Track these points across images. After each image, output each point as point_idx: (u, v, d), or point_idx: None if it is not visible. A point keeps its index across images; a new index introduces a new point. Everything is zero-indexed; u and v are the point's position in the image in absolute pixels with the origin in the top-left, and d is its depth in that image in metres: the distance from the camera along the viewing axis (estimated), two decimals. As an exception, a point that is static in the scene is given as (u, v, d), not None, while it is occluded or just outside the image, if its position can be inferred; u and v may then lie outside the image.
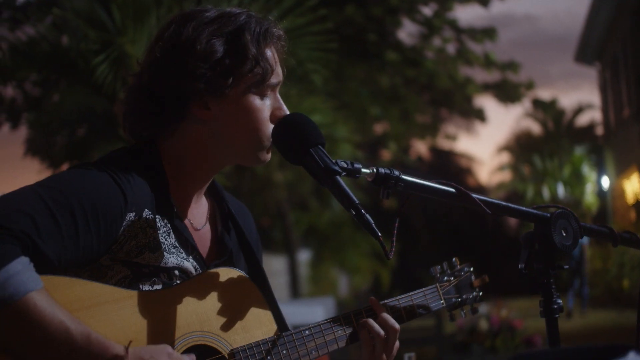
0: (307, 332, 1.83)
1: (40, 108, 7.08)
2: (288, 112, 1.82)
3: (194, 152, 1.80)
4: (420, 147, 31.85)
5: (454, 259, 2.19)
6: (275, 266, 18.84)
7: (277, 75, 1.82)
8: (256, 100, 1.78)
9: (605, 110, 22.59)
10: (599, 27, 19.50)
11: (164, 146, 1.81)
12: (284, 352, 1.78)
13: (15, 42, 5.89)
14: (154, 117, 1.79)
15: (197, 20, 1.79)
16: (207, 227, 1.90)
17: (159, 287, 1.71)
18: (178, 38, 1.76)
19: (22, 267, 1.46)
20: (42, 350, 1.49)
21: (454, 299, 2.13)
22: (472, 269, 2.19)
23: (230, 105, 1.77)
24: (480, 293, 2.18)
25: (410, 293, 2.06)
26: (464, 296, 2.14)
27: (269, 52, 1.81)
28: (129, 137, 1.85)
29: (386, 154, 23.48)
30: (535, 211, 1.86)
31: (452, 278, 2.15)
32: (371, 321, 1.89)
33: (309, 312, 11.94)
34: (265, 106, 1.79)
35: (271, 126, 1.80)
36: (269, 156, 1.85)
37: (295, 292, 19.54)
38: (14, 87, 7.13)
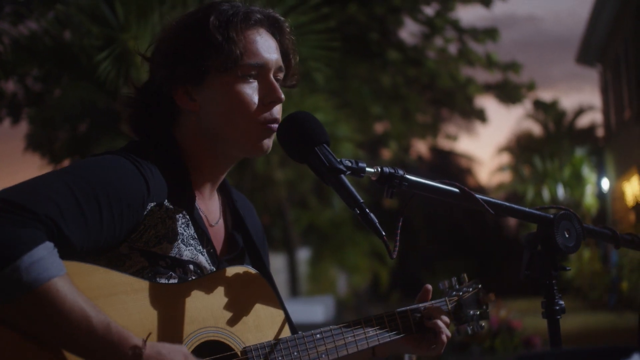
0: (318, 335, 1.85)
1: (41, 103, 7.09)
2: (281, 95, 1.82)
3: (196, 144, 1.83)
4: (421, 147, 31.85)
5: (463, 274, 2.22)
6: (274, 264, 18.83)
7: (256, 57, 1.79)
8: (236, 84, 1.77)
9: (606, 111, 22.59)
10: (601, 29, 19.49)
11: (177, 139, 1.84)
12: (295, 353, 1.80)
13: (18, 37, 5.89)
14: (150, 113, 1.84)
15: (183, 15, 1.84)
16: (221, 222, 1.92)
17: (174, 281, 1.72)
18: (161, 35, 1.84)
19: (46, 253, 1.47)
20: (62, 336, 1.51)
21: (460, 314, 2.15)
22: (480, 285, 2.22)
23: (210, 93, 1.78)
24: (488, 310, 2.20)
25: (419, 304, 2.08)
26: (471, 312, 2.16)
27: (251, 35, 1.79)
28: (136, 137, 1.88)
29: (387, 153, 23.46)
30: (538, 212, 1.86)
31: (460, 293, 2.17)
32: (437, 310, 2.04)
33: (308, 311, 11.95)
34: (247, 89, 1.78)
35: (260, 109, 1.79)
36: (268, 143, 1.83)
37: (294, 290, 19.54)
38: (15, 82, 7.14)
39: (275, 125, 1.81)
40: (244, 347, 1.75)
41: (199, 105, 1.80)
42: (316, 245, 22.44)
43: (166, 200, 1.73)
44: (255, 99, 1.79)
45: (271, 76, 1.82)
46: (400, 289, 23.30)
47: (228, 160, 1.88)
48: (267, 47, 1.82)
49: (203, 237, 1.80)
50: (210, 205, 1.89)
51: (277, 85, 1.82)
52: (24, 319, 1.48)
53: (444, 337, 2.02)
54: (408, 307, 2.05)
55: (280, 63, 1.85)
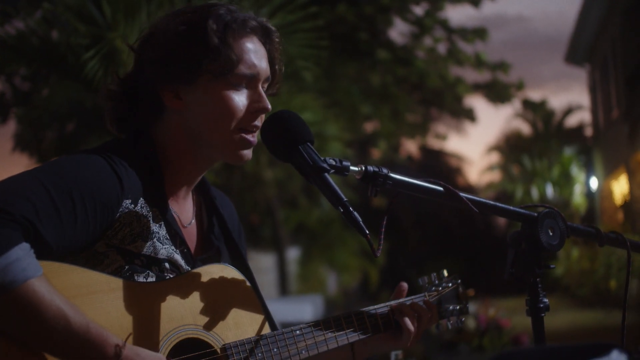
0: (297, 331, 1.86)
1: (29, 103, 7.05)
2: (268, 105, 1.83)
3: (176, 143, 1.83)
4: (410, 146, 31.90)
5: (443, 270, 2.22)
6: (264, 263, 18.81)
7: (249, 66, 1.80)
8: (226, 90, 1.78)
9: (594, 111, 22.70)
10: (589, 29, 19.59)
11: (154, 138, 1.84)
12: (275, 350, 1.81)
13: (5, 36, 5.85)
14: (132, 107, 1.84)
15: (175, 13, 1.84)
16: (194, 223, 1.92)
17: (152, 279, 1.73)
18: (152, 30, 1.83)
19: (23, 254, 1.47)
20: (41, 337, 1.51)
21: (440, 309, 2.16)
22: (459, 281, 2.23)
23: (199, 94, 1.79)
24: (468, 305, 2.21)
25: (399, 300, 2.09)
26: (450, 307, 2.17)
27: (246, 44, 1.81)
28: (115, 131, 1.88)
29: (376, 153, 23.49)
30: (522, 210, 1.87)
31: (439, 288, 2.18)
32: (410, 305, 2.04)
33: (297, 310, 11.95)
34: (237, 96, 1.79)
35: (245, 116, 1.80)
36: (247, 153, 1.84)
37: (283, 289, 19.52)
38: (2, 82, 7.10)
39: (254, 138, 1.83)
40: (224, 344, 1.76)
41: (185, 104, 1.80)
42: (306, 244, 22.43)
43: (141, 199, 1.74)
44: (243, 106, 1.80)
45: (260, 86, 1.84)
46: (390, 288, 23.25)
47: (207, 162, 1.88)
48: (259, 56, 1.83)
49: (176, 237, 1.81)
50: (183, 206, 1.89)
51: (265, 96, 1.84)
52: (1, 321, 1.48)
53: (408, 326, 2.03)
54: (387, 303, 2.06)
55: (269, 73, 1.87)
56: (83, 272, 1.60)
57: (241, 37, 1.80)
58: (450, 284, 2.20)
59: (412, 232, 30.01)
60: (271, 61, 1.89)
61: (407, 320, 2.03)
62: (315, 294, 18.64)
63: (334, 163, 1.68)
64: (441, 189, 1.81)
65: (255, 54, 1.82)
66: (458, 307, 2.18)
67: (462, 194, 1.80)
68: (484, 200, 1.86)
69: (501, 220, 28.28)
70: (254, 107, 1.81)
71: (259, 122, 1.83)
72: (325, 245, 21.46)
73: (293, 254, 21.78)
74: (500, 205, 1.88)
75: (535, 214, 1.85)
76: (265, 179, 14.21)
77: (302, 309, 12.54)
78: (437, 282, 2.19)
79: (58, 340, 1.51)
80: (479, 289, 2.27)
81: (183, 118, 1.81)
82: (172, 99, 1.80)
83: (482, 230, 30.59)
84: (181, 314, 1.72)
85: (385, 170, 1.72)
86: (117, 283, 1.64)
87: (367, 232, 1.61)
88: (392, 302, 2.08)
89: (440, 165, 32.85)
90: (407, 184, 1.77)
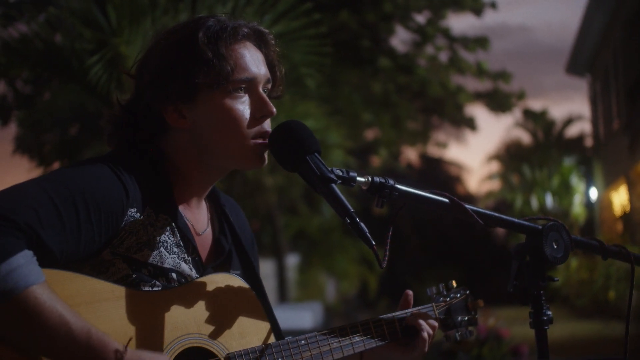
0: (302, 341, 1.85)
1: (30, 106, 7.07)
2: (273, 109, 1.82)
3: (185, 159, 1.83)
4: (411, 154, 31.92)
5: (450, 281, 2.21)
6: (263, 270, 18.72)
7: (245, 71, 1.79)
8: (227, 99, 1.78)
9: (594, 121, 22.72)
10: (591, 39, 19.63)
11: (162, 149, 1.84)
12: (279, 359, 1.80)
13: (8, 39, 5.86)
14: (136, 130, 1.83)
15: (166, 32, 1.84)
16: (209, 231, 1.92)
17: (158, 289, 1.72)
18: (147, 53, 1.83)
19: (25, 261, 1.48)
20: (42, 344, 1.51)
21: (449, 320, 2.15)
22: (468, 292, 2.21)
23: (202, 109, 1.78)
24: (476, 316, 2.19)
25: (407, 310, 2.08)
26: (459, 318, 2.16)
27: (239, 50, 1.80)
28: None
29: (376, 160, 23.50)
30: (526, 223, 1.88)
31: (448, 299, 2.16)
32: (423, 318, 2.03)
33: (296, 317, 11.92)
34: (239, 104, 1.79)
35: (252, 123, 1.79)
36: (264, 157, 1.83)
37: (283, 296, 19.49)
38: (4, 85, 7.12)
39: (266, 141, 1.82)
40: (228, 354, 1.75)
41: (190, 122, 1.79)
42: (305, 251, 22.41)
43: (148, 207, 1.73)
44: (247, 114, 1.79)
45: (261, 90, 1.83)
46: (389, 296, 23.29)
47: (219, 173, 1.88)
48: (255, 60, 1.83)
49: (189, 245, 1.80)
50: (197, 214, 1.89)
51: (267, 99, 1.83)
52: (3, 327, 1.48)
53: (425, 335, 2.01)
54: (394, 314, 2.05)
55: (268, 75, 1.86)
56: (87, 280, 1.61)
57: (233, 44, 1.80)
58: (459, 295, 2.18)
59: (412, 240, 29.98)
60: (270, 64, 1.88)
61: (424, 325, 2.01)
62: (314, 301, 18.61)
63: (340, 173, 1.68)
64: (447, 200, 1.81)
65: (250, 58, 1.81)
66: (467, 318, 2.17)
67: (467, 206, 1.80)
68: (488, 212, 1.86)
69: (500, 230, 28.26)
70: (258, 113, 1.80)
71: (267, 127, 1.83)
72: (324, 252, 21.44)
73: (292, 260, 21.76)
74: (504, 217, 1.88)
75: (540, 227, 1.86)
76: (265, 185, 14.21)
77: (301, 316, 12.52)
78: (445, 292, 2.18)
79: (59, 346, 1.51)
80: (478, 297, 2.26)
81: (192, 135, 1.80)
82: (176, 119, 1.79)
83: (481, 238, 30.57)
84: (185, 323, 1.71)
85: (391, 182, 1.72)
86: (121, 291, 1.64)
87: (374, 243, 1.61)
88: (398, 313, 2.06)
89: (440, 174, 32.87)
90: (413, 196, 1.77)
